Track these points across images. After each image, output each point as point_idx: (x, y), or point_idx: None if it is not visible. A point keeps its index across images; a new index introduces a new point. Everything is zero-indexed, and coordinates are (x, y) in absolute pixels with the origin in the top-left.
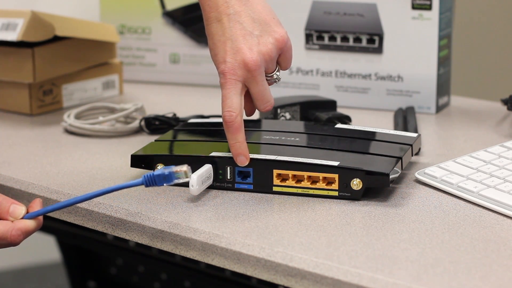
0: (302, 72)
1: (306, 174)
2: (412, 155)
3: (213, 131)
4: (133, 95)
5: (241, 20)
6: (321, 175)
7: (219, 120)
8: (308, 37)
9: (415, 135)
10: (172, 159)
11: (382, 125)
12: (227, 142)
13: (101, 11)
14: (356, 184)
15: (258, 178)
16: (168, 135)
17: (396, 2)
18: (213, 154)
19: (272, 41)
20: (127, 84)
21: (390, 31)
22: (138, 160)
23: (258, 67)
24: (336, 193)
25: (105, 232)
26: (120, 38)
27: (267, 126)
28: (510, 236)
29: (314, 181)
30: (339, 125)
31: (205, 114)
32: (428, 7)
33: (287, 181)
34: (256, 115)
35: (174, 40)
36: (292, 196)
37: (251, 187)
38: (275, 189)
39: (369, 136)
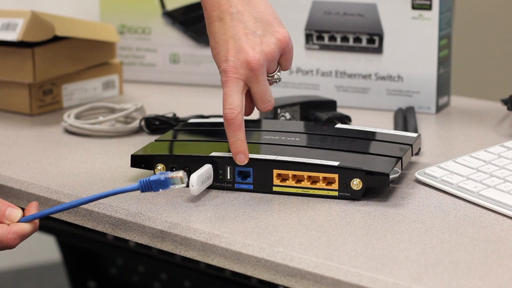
0: (302, 72)
1: (306, 174)
2: (412, 155)
3: (213, 131)
4: (133, 95)
5: (243, 19)
6: (321, 175)
7: (219, 120)
8: (308, 37)
9: (415, 135)
10: (172, 159)
11: (382, 125)
12: (227, 142)
13: (101, 11)
14: (356, 184)
15: (258, 178)
16: (168, 135)
17: (396, 2)
18: (213, 154)
19: (274, 41)
20: (127, 84)
21: (390, 31)
22: (138, 160)
23: (260, 66)
24: (336, 193)
25: (105, 232)
26: (120, 38)
27: (267, 126)
28: (510, 236)
29: (314, 181)
30: (339, 125)
31: (205, 114)
32: (428, 7)
33: (287, 181)
34: (256, 115)
35: (174, 40)
36: (292, 196)
37: (251, 187)
38: (275, 189)
39: (369, 136)
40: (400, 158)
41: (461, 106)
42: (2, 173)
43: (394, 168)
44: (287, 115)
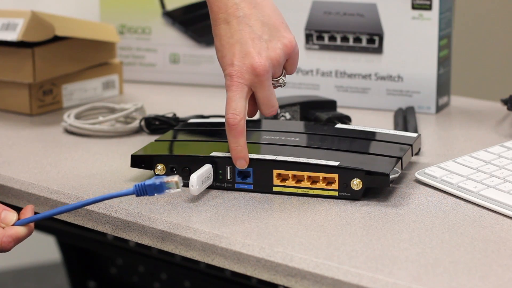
0: (302, 72)
1: (306, 174)
2: (412, 155)
3: (213, 131)
4: (133, 95)
5: (250, 23)
6: (321, 175)
7: (219, 120)
8: (308, 37)
9: (415, 135)
10: (172, 159)
11: (382, 125)
12: (227, 142)
13: (101, 11)
14: (356, 184)
15: (258, 178)
16: (168, 135)
17: (396, 2)
18: (213, 154)
19: (280, 46)
20: (127, 84)
21: (390, 31)
22: (138, 160)
23: (266, 72)
24: (336, 193)
25: (105, 232)
26: (120, 38)
27: (267, 126)
28: (510, 236)
29: (314, 181)
30: (339, 125)
31: (205, 114)
32: (428, 7)
33: (287, 181)
34: (256, 115)
35: (174, 40)
36: (292, 196)
37: (251, 187)
38: (275, 189)
39: (369, 136)
40: (400, 158)
41: (461, 106)
42: (2, 173)
43: (394, 168)
44: (287, 115)
